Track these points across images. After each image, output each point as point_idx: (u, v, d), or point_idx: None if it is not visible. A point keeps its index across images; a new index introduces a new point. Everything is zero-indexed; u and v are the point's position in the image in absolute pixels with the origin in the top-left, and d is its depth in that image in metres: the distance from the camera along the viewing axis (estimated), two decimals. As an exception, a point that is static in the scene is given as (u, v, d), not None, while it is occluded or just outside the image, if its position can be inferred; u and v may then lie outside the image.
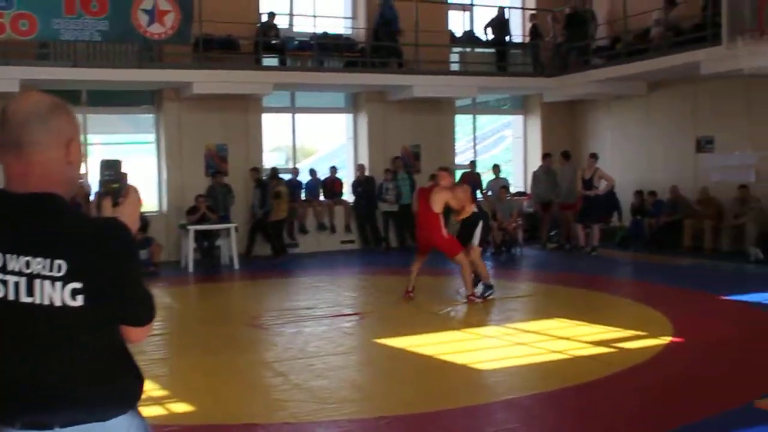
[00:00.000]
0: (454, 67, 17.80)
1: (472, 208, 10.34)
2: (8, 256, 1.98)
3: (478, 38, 18.13)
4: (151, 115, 16.19)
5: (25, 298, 1.97)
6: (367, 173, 16.69)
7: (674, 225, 15.18)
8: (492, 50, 17.93)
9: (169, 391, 6.35)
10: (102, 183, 2.24)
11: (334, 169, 17.16)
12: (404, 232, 16.27)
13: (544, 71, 17.53)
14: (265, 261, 14.81)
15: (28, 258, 1.97)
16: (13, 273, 1.98)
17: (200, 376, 6.97)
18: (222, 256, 14.73)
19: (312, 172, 17.05)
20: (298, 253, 15.93)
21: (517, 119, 19.90)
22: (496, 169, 17.20)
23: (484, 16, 18.30)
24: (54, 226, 1.99)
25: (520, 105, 19.55)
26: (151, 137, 16.20)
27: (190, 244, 14.05)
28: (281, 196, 15.25)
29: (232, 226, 14.44)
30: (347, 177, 17.45)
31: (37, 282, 1.96)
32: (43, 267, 1.95)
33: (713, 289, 10.80)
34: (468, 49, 17.96)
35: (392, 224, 16.65)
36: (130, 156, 17.52)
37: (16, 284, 1.97)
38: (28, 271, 1.96)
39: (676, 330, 8.11)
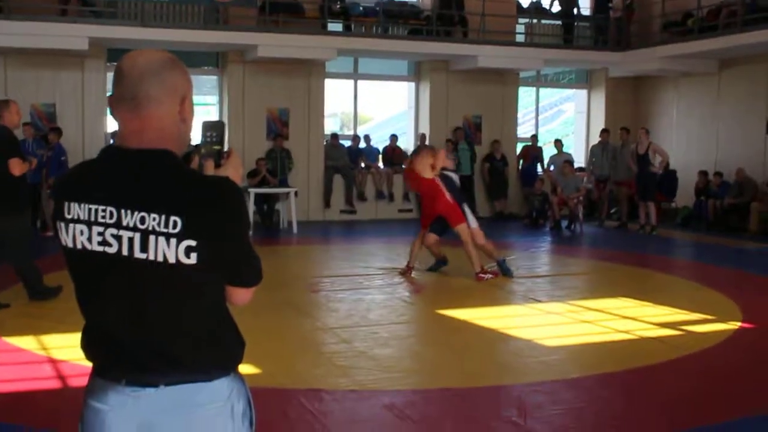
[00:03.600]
0: (520, 38, 17.53)
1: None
2: (123, 211, 1.94)
3: (545, 9, 17.83)
4: (215, 77, 16.26)
5: (138, 254, 1.92)
6: (427, 142, 16.56)
7: (740, 207, 14.83)
8: (558, 22, 17.64)
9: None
10: (204, 144, 2.20)
11: (394, 138, 17.08)
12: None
13: (609, 45, 17.21)
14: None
15: (143, 213, 1.92)
16: (127, 228, 1.93)
17: (265, 339, 6.99)
18: (281, 220, 14.81)
19: (367, 138, 16.98)
20: (355, 220, 15.96)
21: (580, 93, 19.59)
22: (558, 144, 16.95)
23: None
24: (170, 183, 1.95)
25: (584, 79, 19.22)
26: (214, 99, 16.28)
27: (250, 207, 14.14)
28: None
29: (291, 190, 14.48)
30: (406, 145, 17.35)
31: (152, 238, 1.91)
32: (159, 223, 1.90)
33: (782, 275, 10.56)
34: (534, 21, 17.67)
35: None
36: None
37: (130, 240, 1.93)
38: (143, 226, 1.91)
39: (746, 315, 7.93)
